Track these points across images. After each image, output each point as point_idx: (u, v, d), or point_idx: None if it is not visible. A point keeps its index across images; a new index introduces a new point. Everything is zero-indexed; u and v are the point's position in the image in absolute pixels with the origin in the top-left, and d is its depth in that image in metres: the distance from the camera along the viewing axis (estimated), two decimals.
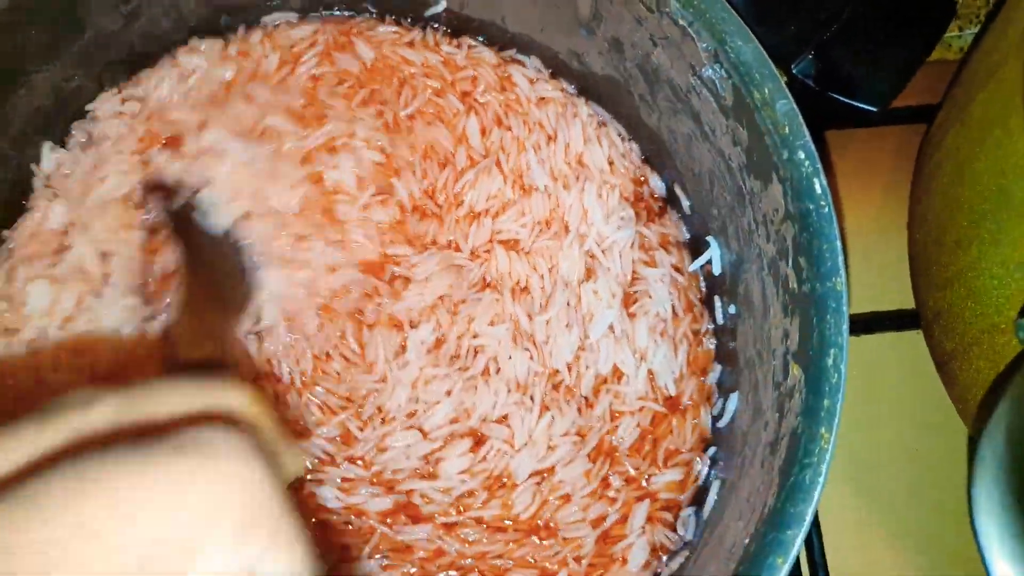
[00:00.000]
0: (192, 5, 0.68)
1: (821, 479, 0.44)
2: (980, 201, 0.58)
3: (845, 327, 0.46)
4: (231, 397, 0.35)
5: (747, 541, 0.45)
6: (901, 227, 0.77)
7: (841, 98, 0.58)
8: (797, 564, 0.71)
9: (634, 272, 0.65)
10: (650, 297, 0.64)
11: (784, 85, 0.50)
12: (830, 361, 0.46)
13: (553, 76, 0.72)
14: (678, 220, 0.68)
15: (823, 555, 0.72)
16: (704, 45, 0.53)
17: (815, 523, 0.73)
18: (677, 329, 0.63)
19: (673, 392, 0.62)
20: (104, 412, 0.32)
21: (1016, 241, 0.53)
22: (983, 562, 0.41)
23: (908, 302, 0.76)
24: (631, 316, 0.63)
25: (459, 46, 0.72)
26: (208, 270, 0.58)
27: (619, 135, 0.70)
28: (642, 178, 0.69)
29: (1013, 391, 0.45)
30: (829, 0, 0.56)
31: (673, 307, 0.64)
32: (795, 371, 0.48)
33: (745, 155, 0.55)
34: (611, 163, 0.68)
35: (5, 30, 0.60)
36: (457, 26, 0.73)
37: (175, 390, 0.34)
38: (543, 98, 0.70)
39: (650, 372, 0.62)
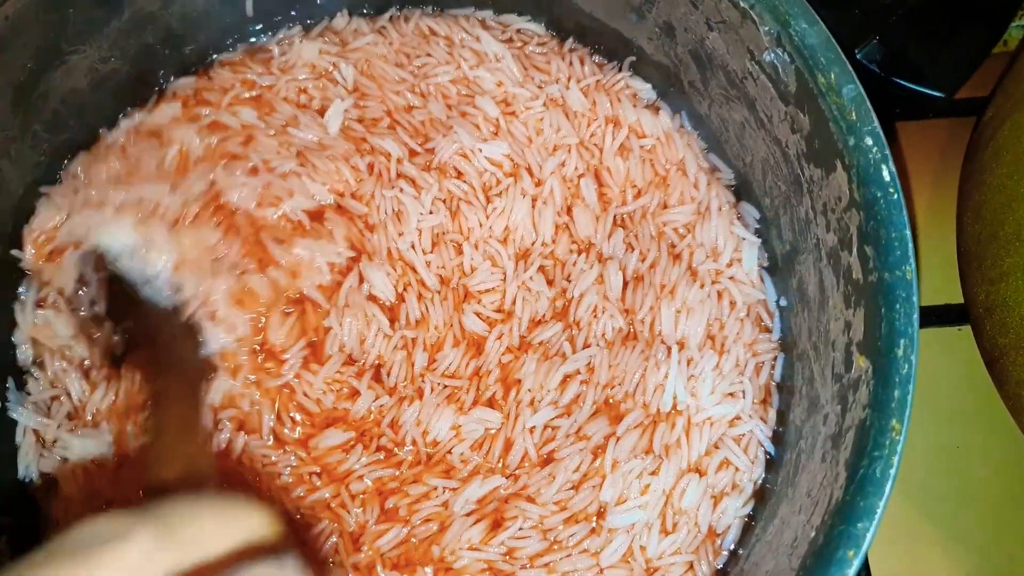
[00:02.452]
0: None
1: (892, 471, 0.43)
2: None
3: (915, 316, 0.45)
4: (257, 521, 0.34)
5: (813, 535, 0.44)
6: (947, 221, 0.76)
7: (908, 84, 0.57)
8: None
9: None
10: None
11: (851, 69, 0.49)
12: (900, 352, 0.44)
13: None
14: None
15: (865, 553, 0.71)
16: (766, 28, 0.52)
17: None
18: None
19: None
20: (143, 545, 0.30)
21: None
22: None
23: (955, 297, 0.74)
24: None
25: None
26: (166, 364, 0.57)
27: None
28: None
29: None
30: None
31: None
32: (861, 362, 0.47)
33: (805, 142, 0.54)
34: None
35: (46, 7, 0.59)
36: None
37: (205, 515, 0.33)
38: None
39: None
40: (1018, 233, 0.60)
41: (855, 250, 0.49)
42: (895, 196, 0.47)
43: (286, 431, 0.61)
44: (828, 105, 0.50)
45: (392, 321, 0.64)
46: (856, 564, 0.41)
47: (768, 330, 0.64)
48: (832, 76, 0.50)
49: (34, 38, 0.60)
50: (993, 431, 0.72)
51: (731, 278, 0.65)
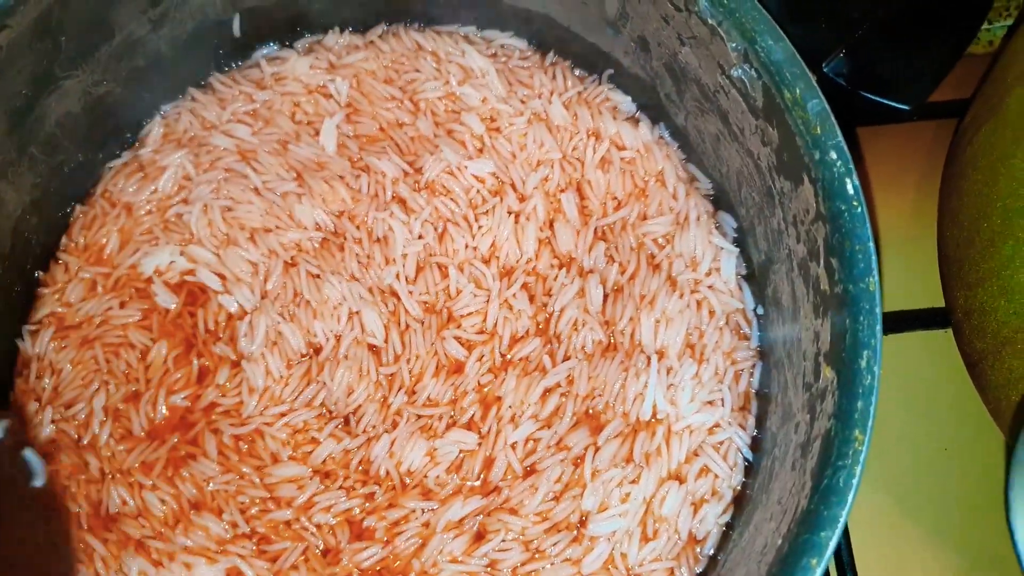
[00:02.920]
0: (217, 9, 0.68)
1: (855, 481, 0.43)
2: (1015, 199, 0.57)
3: (878, 328, 0.46)
4: None
5: (780, 542, 0.45)
6: (930, 225, 0.76)
7: (873, 97, 0.57)
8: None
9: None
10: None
11: (815, 84, 0.50)
12: (863, 363, 0.45)
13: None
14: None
15: (851, 555, 0.72)
16: (734, 45, 0.53)
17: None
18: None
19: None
20: None
21: None
22: (1020, 564, 0.41)
23: (938, 300, 0.75)
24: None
25: None
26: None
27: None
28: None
29: None
30: None
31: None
32: (827, 373, 0.48)
33: (775, 155, 0.55)
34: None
35: (38, 34, 0.61)
36: None
37: None
38: None
39: None
40: (992, 239, 0.61)
41: (822, 261, 0.50)
42: (859, 209, 0.48)
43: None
44: (794, 119, 0.51)
45: (378, 361, 0.65)
46: (819, 571, 0.42)
47: (747, 338, 0.65)
48: (797, 91, 0.51)
49: (28, 65, 0.61)
50: (979, 433, 0.72)
51: (710, 287, 0.66)
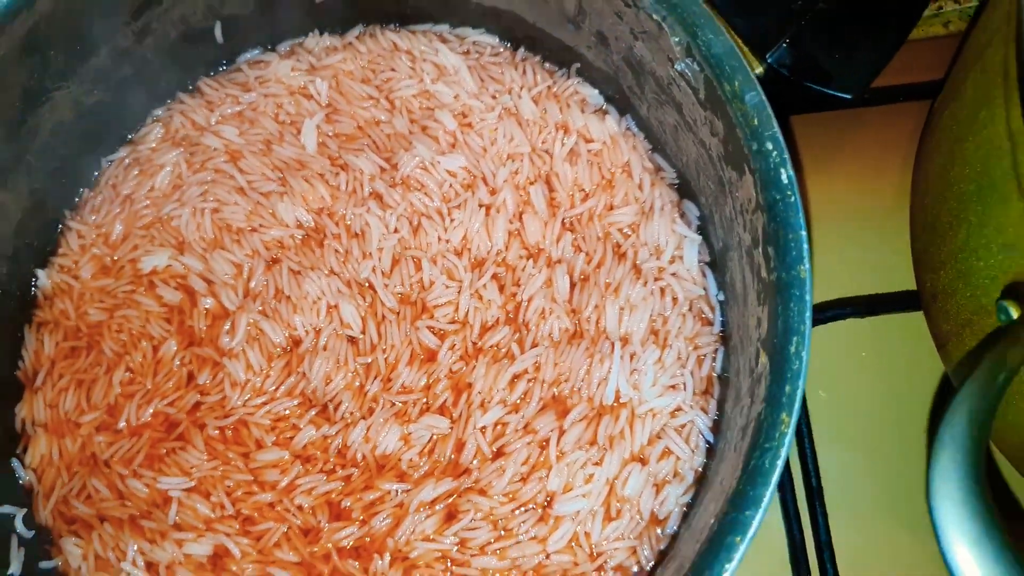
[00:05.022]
0: (198, 17, 0.71)
1: (780, 462, 0.45)
2: (967, 183, 0.57)
3: (808, 315, 0.47)
4: None
5: (712, 521, 0.47)
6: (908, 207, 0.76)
7: (816, 87, 0.58)
8: (803, 542, 0.72)
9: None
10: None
11: (754, 77, 0.51)
12: (792, 348, 0.47)
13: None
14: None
15: (828, 532, 0.73)
16: (677, 39, 0.54)
17: (820, 501, 0.74)
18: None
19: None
20: None
21: (999, 223, 0.53)
22: (939, 544, 0.42)
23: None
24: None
25: None
26: None
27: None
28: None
29: (978, 374, 0.45)
30: None
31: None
32: (763, 358, 0.50)
33: (722, 146, 0.56)
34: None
35: (26, 50, 0.64)
36: None
37: None
38: None
39: None
40: (951, 223, 0.61)
41: (761, 249, 0.52)
42: (792, 199, 0.49)
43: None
44: (734, 111, 0.52)
45: (356, 351, 0.68)
46: (743, 549, 0.44)
47: (710, 323, 0.66)
48: (736, 84, 0.52)
49: (19, 80, 0.65)
50: None
51: (673, 274, 0.67)
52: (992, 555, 0.42)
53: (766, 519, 0.75)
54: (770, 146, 0.50)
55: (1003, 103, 0.51)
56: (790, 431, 0.45)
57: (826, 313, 0.78)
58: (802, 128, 0.81)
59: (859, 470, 0.77)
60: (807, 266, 0.48)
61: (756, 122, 0.51)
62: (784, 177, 0.50)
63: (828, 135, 0.84)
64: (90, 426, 0.67)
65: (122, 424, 0.67)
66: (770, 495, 0.45)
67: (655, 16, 0.55)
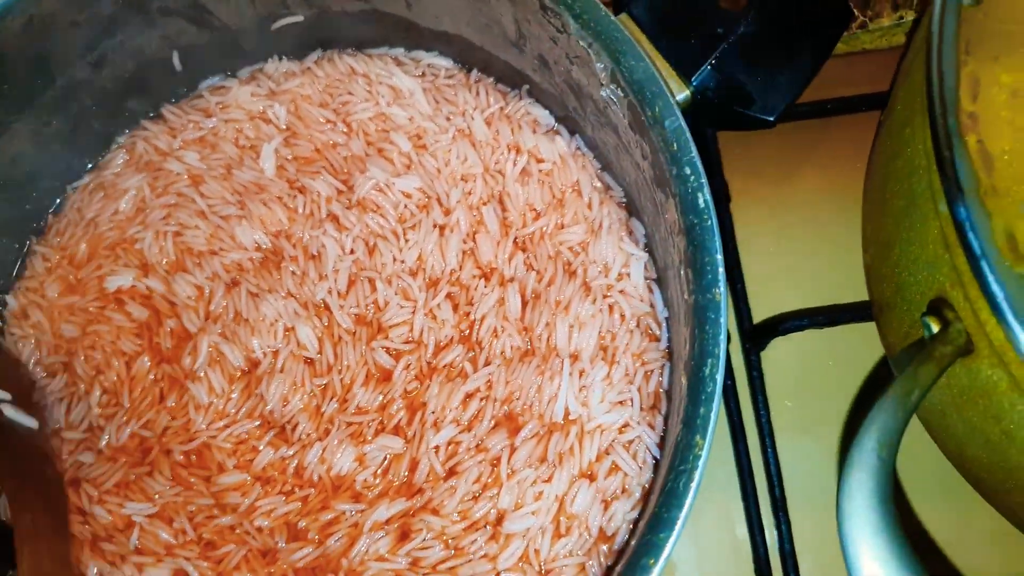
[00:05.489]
0: (154, 48, 0.73)
1: (694, 485, 0.46)
2: (899, 199, 0.58)
3: (722, 338, 0.48)
4: None
5: (633, 543, 0.48)
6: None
7: (740, 109, 0.59)
8: (767, 553, 0.73)
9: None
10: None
11: (674, 103, 0.52)
12: (707, 371, 0.47)
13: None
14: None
15: (791, 543, 0.74)
16: (601, 65, 0.55)
17: (784, 512, 0.75)
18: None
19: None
20: None
21: (922, 240, 0.53)
22: (846, 560, 0.43)
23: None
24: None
25: None
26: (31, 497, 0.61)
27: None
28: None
29: (891, 391, 0.46)
30: (726, 13, 0.56)
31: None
32: (683, 379, 0.50)
33: (652, 169, 0.57)
34: None
35: None
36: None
37: None
38: None
39: None
40: (888, 239, 0.62)
41: (684, 271, 0.52)
42: (709, 223, 0.50)
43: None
44: (656, 136, 0.53)
45: (312, 372, 0.70)
46: (657, 570, 0.45)
47: (657, 339, 0.67)
48: (657, 109, 0.53)
49: None
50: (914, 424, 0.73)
51: (621, 292, 0.68)
52: (901, 571, 0.43)
53: (730, 528, 0.77)
54: (688, 171, 0.51)
55: (923, 121, 0.52)
56: (704, 454, 0.46)
57: (787, 324, 0.78)
58: (761, 139, 0.82)
59: (825, 480, 0.77)
60: (722, 290, 0.49)
61: (676, 147, 0.52)
62: (701, 201, 0.50)
63: (791, 146, 0.84)
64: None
65: (103, 444, 0.69)
66: (684, 519, 0.46)
67: (582, 42, 0.56)
